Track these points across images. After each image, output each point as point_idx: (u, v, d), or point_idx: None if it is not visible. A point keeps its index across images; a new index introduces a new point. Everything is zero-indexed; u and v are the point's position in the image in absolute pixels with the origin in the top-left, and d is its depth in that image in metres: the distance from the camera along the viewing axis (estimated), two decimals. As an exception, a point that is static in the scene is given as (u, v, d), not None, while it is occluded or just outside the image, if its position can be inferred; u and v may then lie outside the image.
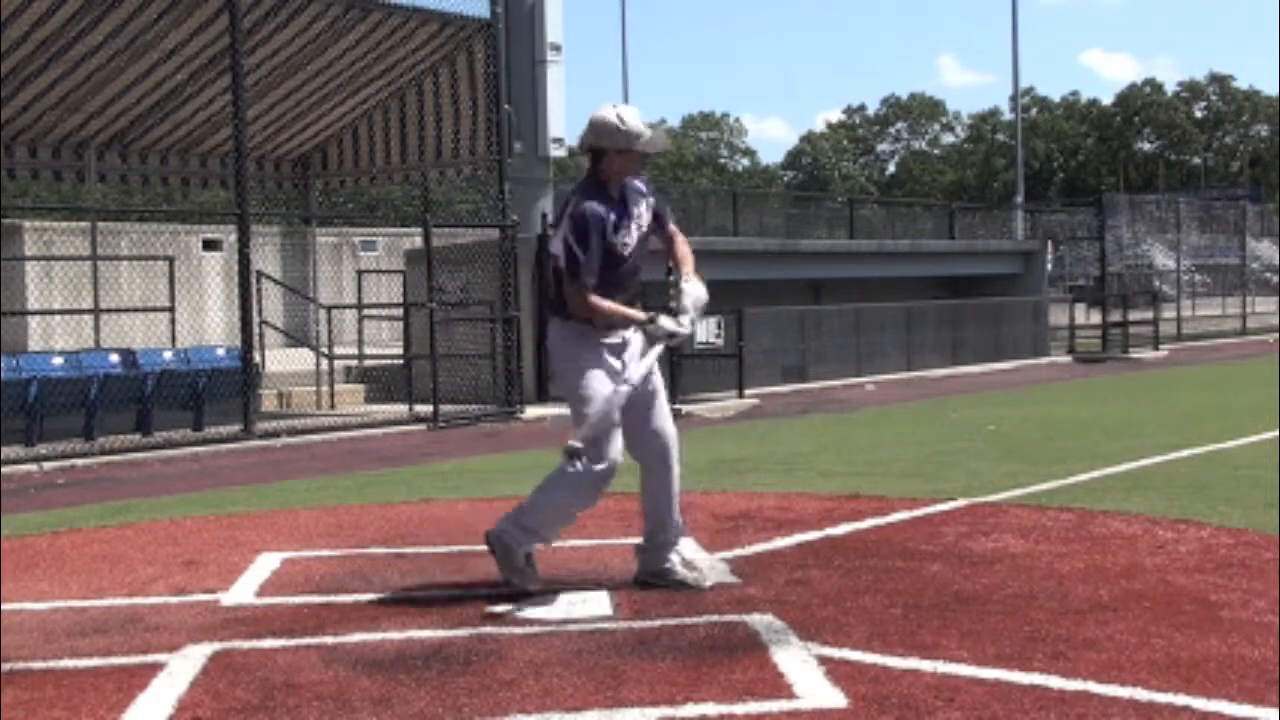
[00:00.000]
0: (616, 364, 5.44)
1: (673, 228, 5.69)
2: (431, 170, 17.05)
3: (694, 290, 5.49)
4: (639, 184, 5.56)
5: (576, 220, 5.33)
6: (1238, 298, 32.39)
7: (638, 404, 5.44)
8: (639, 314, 5.46)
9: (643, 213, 5.52)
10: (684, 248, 5.64)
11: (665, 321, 5.40)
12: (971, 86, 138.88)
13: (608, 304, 5.38)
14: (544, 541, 5.53)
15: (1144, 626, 4.68)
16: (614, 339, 5.47)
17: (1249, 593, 5.15)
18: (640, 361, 5.43)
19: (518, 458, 10.76)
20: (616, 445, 5.39)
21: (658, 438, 5.52)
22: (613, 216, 5.38)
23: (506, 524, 5.47)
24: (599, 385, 5.36)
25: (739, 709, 3.88)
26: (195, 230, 21.53)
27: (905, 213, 31.19)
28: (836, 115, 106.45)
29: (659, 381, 5.59)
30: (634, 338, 5.54)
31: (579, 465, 5.27)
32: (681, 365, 14.97)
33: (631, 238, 5.44)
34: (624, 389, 5.31)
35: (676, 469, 5.58)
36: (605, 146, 5.41)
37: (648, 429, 5.51)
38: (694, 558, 5.89)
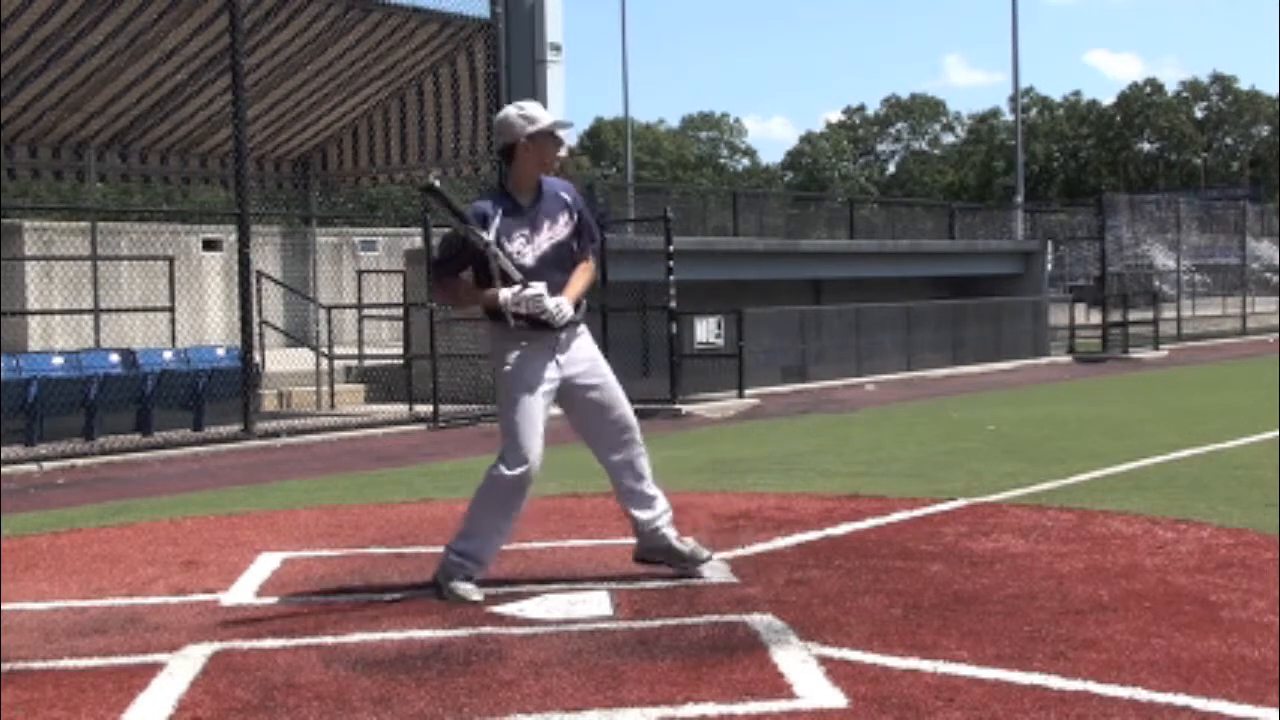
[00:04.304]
0: (540, 367, 5.34)
1: (587, 258, 5.51)
2: (431, 170, 17.04)
3: (545, 295, 5.23)
4: (566, 195, 5.45)
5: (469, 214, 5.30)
6: (1238, 298, 32.38)
7: (583, 401, 5.44)
8: (487, 292, 5.26)
9: (559, 228, 5.39)
10: (581, 278, 5.44)
11: (502, 292, 5.21)
12: (979, 86, 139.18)
13: (447, 287, 5.54)
14: (481, 566, 5.40)
15: (1144, 626, 4.68)
16: (540, 337, 5.32)
17: (1249, 593, 5.14)
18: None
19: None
20: (534, 447, 5.31)
21: (616, 425, 5.48)
22: (499, 218, 5.28)
23: (444, 555, 5.43)
24: (517, 388, 5.32)
25: (739, 709, 3.87)
26: (195, 230, 21.50)
27: (905, 213, 31.14)
28: (839, 115, 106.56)
29: (600, 371, 5.49)
30: (583, 332, 5.47)
31: (500, 469, 5.30)
32: (682, 365, 14.95)
33: (527, 251, 5.29)
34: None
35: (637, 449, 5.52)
36: (509, 141, 5.35)
37: (605, 419, 5.47)
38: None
